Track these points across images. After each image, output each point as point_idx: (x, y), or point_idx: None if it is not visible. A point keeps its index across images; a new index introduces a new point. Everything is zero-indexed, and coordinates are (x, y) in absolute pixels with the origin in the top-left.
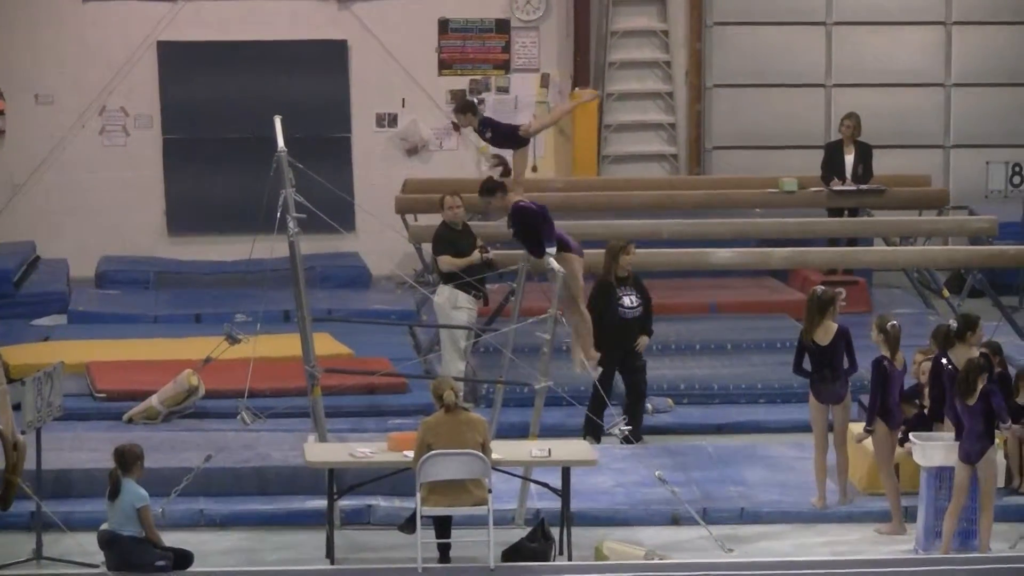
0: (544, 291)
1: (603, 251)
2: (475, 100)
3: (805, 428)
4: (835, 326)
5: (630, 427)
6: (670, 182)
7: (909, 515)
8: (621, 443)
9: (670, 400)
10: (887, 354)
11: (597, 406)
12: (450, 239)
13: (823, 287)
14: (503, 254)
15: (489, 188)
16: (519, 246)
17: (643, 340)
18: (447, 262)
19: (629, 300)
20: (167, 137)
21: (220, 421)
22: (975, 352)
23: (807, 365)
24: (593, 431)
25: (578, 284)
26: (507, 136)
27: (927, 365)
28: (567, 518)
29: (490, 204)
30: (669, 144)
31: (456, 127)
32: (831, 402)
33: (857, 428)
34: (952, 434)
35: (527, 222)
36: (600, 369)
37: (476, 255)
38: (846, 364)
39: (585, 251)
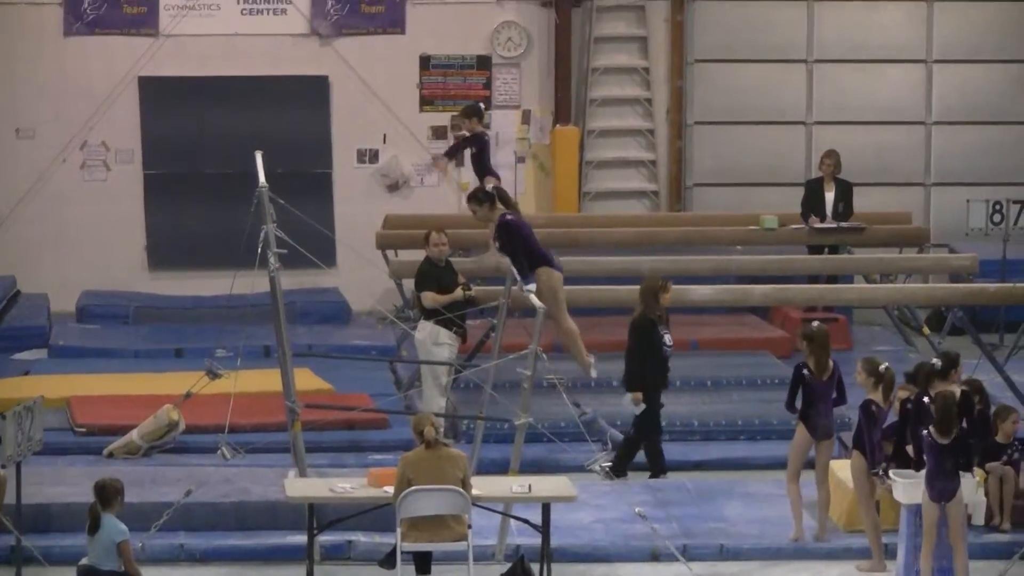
0: (525, 327)
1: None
2: (482, 107)
3: (785, 465)
4: (831, 362)
5: (610, 463)
6: (651, 219)
7: (889, 552)
8: (603, 479)
9: None
10: (875, 395)
11: (652, 442)
12: (434, 275)
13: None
14: (484, 290)
15: (478, 197)
16: (500, 282)
17: None
18: (431, 299)
19: (668, 338)
20: (148, 172)
21: (200, 456)
22: (956, 390)
23: (798, 402)
24: (660, 467)
25: (559, 300)
26: (482, 166)
27: None
28: (547, 554)
29: (476, 212)
30: (650, 181)
31: (436, 162)
32: (824, 437)
33: (836, 464)
34: None
35: (511, 238)
36: (643, 406)
37: (459, 292)
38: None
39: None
